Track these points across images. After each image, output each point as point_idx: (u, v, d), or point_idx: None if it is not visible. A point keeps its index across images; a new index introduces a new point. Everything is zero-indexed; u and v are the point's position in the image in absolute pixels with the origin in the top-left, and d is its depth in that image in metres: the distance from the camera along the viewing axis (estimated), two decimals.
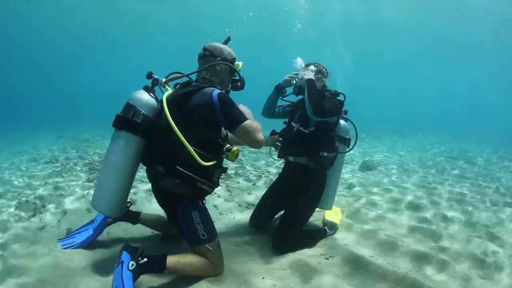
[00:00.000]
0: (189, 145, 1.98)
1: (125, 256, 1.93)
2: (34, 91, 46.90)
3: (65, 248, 2.52)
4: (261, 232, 3.01)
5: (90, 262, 2.36)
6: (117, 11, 22.41)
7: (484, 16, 22.20)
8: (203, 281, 2.15)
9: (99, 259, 2.42)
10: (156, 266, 1.99)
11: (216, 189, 3.55)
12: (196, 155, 1.99)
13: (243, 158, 6.94)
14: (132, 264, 1.89)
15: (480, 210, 4.00)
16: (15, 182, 5.02)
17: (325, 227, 3.00)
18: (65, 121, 19.06)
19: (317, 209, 3.05)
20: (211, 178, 2.19)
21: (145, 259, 1.95)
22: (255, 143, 2.08)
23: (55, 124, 16.86)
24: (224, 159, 2.27)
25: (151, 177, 2.22)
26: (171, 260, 2.03)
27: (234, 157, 2.16)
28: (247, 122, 2.01)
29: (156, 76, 2.24)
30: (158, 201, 2.39)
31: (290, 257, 2.50)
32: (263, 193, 3.21)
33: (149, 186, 4.21)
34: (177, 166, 2.05)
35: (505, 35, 24.60)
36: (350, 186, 4.88)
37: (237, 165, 6.06)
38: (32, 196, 4.08)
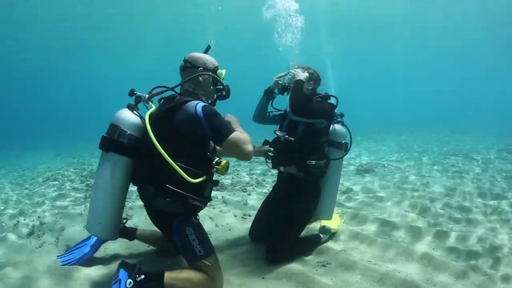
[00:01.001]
0: (173, 163, 1.91)
1: (122, 274, 1.91)
2: (29, 108, 46.87)
3: (64, 265, 2.52)
4: (257, 242, 2.97)
5: (87, 278, 2.35)
6: (108, 23, 22.52)
7: (481, 13, 22.42)
8: None
9: (96, 275, 2.40)
10: (154, 283, 1.96)
11: (212, 201, 3.49)
12: (183, 173, 1.92)
13: (238, 168, 6.92)
14: (130, 282, 1.87)
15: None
16: (13, 201, 5.04)
17: (319, 233, 2.94)
18: (62, 138, 19.08)
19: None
20: (202, 193, 2.15)
21: (143, 276, 1.93)
22: (244, 155, 2.01)
23: (53, 142, 16.87)
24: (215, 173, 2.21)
25: (143, 197, 2.19)
26: (169, 276, 1.99)
27: (224, 170, 2.08)
28: (234, 134, 1.95)
29: (139, 93, 2.20)
30: (152, 220, 2.35)
31: (286, 266, 2.47)
32: (259, 202, 3.18)
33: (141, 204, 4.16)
34: (166, 185, 2.00)
35: (501, 31, 24.88)
36: (347, 190, 4.85)
37: (233, 175, 6.04)
38: (30, 214, 4.09)
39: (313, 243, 2.81)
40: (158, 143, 1.93)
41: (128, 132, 2.11)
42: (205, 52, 2.34)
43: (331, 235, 3.03)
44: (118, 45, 27.19)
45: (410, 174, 6.09)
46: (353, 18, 24.00)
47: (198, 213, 2.28)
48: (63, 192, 5.33)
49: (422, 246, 2.84)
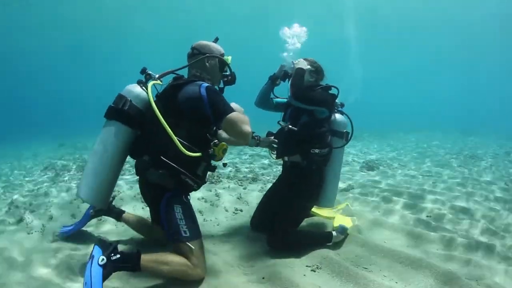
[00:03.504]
0: (172, 133, 1.96)
1: (96, 250, 1.85)
2: (36, 98, 47.37)
3: (60, 234, 2.77)
4: (246, 239, 2.79)
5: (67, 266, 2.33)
6: (114, 15, 22.63)
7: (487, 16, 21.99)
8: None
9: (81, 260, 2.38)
10: (130, 263, 1.89)
11: (204, 194, 3.60)
12: (178, 143, 1.96)
13: (238, 161, 6.67)
14: (102, 259, 1.80)
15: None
16: (9, 189, 5.06)
17: (333, 231, 2.72)
18: (68, 128, 19.22)
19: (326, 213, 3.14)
20: (195, 171, 2.16)
21: (118, 256, 1.87)
22: (242, 135, 1.99)
23: (57, 132, 16.98)
24: (214, 160, 2.24)
25: (137, 168, 2.17)
26: (146, 258, 1.92)
27: (221, 152, 2.14)
28: (233, 113, 1.98)
29: (150, 72, 2.27)
30: (143, 195, 2.38)
31: (271, 268, 2.21)
32: (255, 197, 3.16)
33: (133, 192, 4.05)
34: (161, 157, 2.03)
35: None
36: (349, 188, 4.55)
37: (231, 168, 5.81)
38: (22, 202, 4.05)
39: (321, 239, 2.67)
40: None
41: (132, 101, 2.16)
42: (213, 42, 2.42)
43: (346, 235, 2.77)
44: (122, 37, 27.40)
45: (414, 171, 5.78)
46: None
47: (189, 194, 2.29)
48: (58, 180, 5.30)
49: (420, 252, 2.57)
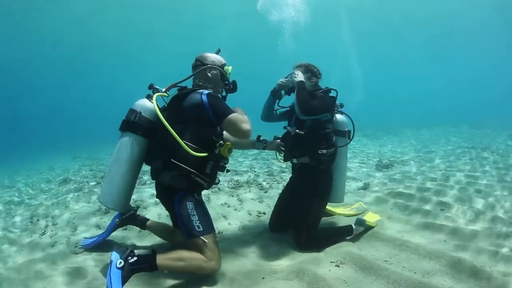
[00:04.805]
0: (178, 137, 2.12)
1: (114, 255, 1.99)
2: (49, 112, 48.23)
3: (82, 246, 2.87)
4: (271, 240, 2.94)
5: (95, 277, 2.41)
6: (122, 25, 22.96)
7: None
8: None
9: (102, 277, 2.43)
10: (147, 264, 2.01)
11: (227, 200, 3.85)
12: (185, 146, 2.14)
13: (256, 165, 6.86)
14: (120, 262, 1.94)
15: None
16: (30, 201, 5.19)
17: (351, 224, 2.94)
18: (82, 140, 19.58)
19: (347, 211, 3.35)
20: (204, 170, 2.32)
21: (135, 258, 2.00)
22: (242, 133, 2.14)
23: (71, 145, 17.29)
24: (223, 159, 2.45)
25: (152, 172, 2.37)
26: (162, 257, 2.05)
27: (226, 151, 2.38)
28: (233, 114, 2.15)
29: (157, 86, 2.50)
30: (160, 198, 2.52)
31: (297, 266, 2.39)
32: (276, 199, 3.24)
33: (156, 200, 4.17)
34: (172, 159, 2.22)
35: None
36: (365, 186, 4.70)
37: (250, 173, 5.99)
38: (44, 215, 4.18)
39: (342, 233, 2.91)
40: (168, 124, 2.16)
41: (143, 114, 2.40)
42: (216, 53, 2.63)
43: (367, 227, 2.98)
44: (135, 48, 27.83)
45: (430, 168, 5.87)
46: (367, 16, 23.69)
47: (201, 193, 2.47)
48: (77, 192, 5.39)
49: (436, 243, 2.71)
